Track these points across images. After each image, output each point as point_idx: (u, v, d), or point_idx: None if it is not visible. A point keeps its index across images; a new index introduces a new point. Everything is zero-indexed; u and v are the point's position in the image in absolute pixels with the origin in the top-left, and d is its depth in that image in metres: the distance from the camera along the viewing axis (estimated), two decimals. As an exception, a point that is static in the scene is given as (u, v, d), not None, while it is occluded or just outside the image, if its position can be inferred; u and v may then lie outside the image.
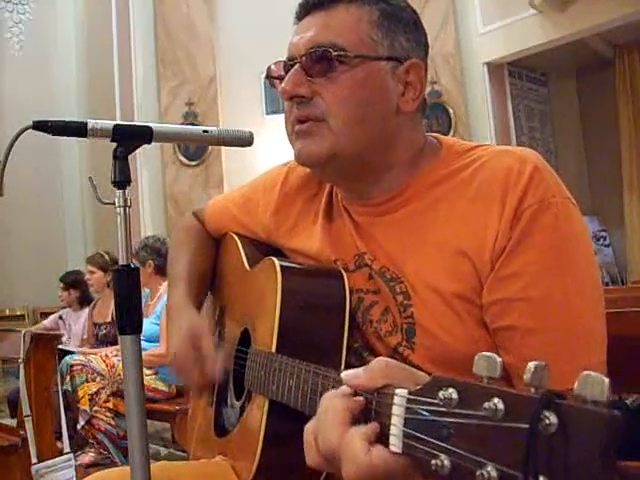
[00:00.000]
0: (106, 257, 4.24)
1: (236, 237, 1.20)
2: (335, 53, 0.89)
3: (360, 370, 0.61)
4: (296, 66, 0.92)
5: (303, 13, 0.95)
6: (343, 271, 0.97)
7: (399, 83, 0.92)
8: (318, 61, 0.89)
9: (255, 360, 0.96)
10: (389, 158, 0.94)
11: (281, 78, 0.94)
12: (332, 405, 0.61)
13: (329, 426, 0.60)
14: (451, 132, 5.16)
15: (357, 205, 0.99)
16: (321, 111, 0.90)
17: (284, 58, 0.96)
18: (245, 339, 1.06)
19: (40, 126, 0.85)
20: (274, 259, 0.98)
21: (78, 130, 0.87)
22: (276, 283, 0.93)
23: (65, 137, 0.88)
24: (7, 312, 6.25)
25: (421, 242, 0.90)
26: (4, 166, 0.89)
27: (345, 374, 0.63)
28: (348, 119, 0.89)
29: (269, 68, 0.99)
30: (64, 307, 4.63)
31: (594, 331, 0.81)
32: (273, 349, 0.90)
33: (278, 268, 0.95)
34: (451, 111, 5.24)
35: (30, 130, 0.85)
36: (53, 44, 7.01)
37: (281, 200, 1.12)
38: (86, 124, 0.87)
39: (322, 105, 0.90)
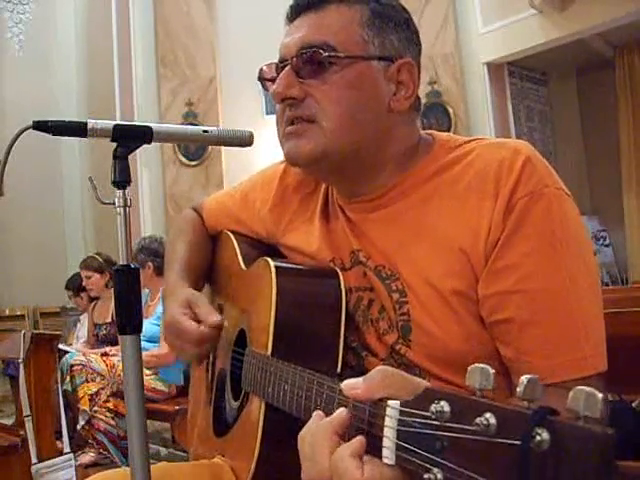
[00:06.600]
0: (99, 259, 4.21)
1: (232, 235, 1.19)
2: (326, 54, 0.88)
3: (359, 380, 0.61)
4: (287, 67, 0.91)
5: (294, 15, 0.95)
6: (339, 270, 0.96)
7: (391, 82, 0.92)
8: (309, 62, 0.89)
9: (251, 362, 0.96)
10: (381, 157, 0.94)
11: (273, 80, 0.94)
12: (321, 429, 0.62)
13: (318, 453, 0.61)
14: (451, 132, 5.14)
15: (350, 203, 0.99)
16: (312, 112, 0.90)
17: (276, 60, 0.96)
18: (242, 339, 1.05)
19: (40, 126, 0.85)
20: (268, 259, 0.97)
21: (78, 130, 0.87)
22: (271, 283, 0.92)
23: (65, 137, 0.87)
24: (7, 312, 6.24)
25: (415, 238, 0.89)
26: (4, 166, 0.88)
27: (345, 384, 0.63)
28: (339, 120, 0.89)
29: (261, 70, 0.99)
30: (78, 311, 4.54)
31: (592, 321, 0.81)
32: (269, 350, 0.89)
33: (273, 268, 0.94)
34: (451, 111, 5.23)
35: (30, 130, 0.84)
36: (53, 44, 7.00)
37: (279, 197, 1.11)
38: (86, 124, 0.87)
39: (314, 106, 0.90)
